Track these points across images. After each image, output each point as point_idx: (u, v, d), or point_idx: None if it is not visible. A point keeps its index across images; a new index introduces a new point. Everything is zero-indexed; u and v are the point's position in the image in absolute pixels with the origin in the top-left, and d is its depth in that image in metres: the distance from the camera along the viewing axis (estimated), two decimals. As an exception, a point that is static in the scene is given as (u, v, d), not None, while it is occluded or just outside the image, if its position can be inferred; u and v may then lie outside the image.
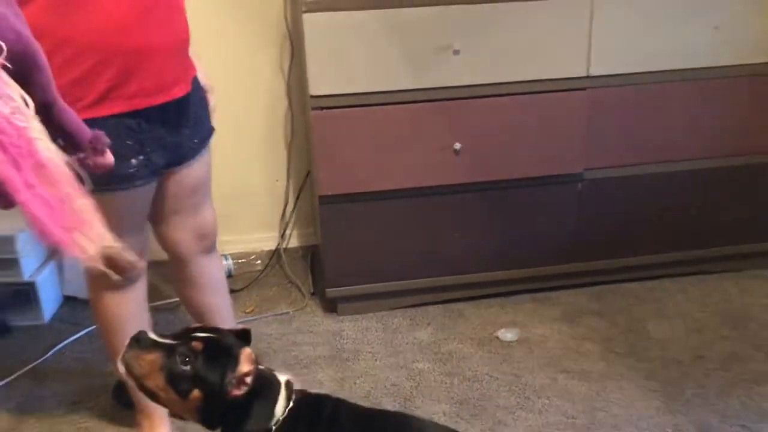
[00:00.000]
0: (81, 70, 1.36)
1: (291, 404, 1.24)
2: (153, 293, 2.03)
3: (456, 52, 2.02)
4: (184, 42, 1.53)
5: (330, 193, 2.15)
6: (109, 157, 1.23)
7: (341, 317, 2.33)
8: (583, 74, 2.12)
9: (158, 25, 1.43)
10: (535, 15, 2.04)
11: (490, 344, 2.16)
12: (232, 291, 2.48)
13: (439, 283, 2.32)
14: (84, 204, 1.01)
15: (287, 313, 2.38)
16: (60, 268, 2.43)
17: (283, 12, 2.45)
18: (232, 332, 1.28)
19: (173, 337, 1.22)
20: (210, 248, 1.78)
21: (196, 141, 1.63)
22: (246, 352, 1.20)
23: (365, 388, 1.99)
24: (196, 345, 1.19)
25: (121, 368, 1.20)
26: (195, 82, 1.62)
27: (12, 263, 2.23)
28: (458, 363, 2.08)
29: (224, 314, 1.89)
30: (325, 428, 1.25)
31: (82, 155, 1.14)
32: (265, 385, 1.23)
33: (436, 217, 2.23)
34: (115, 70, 1.38)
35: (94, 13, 1.35)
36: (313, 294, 2.48)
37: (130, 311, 1.66)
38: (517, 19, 2.03)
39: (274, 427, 1.22)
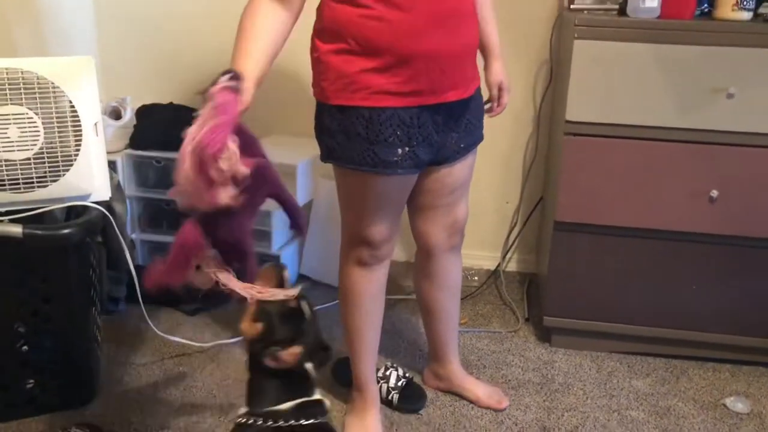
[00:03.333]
0: (375, 65, 1.49)
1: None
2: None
3: (730, 96, 1.91)
4: (469, 49, 1.61)
5: (567, 221, 2.13)
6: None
7: (554, 348, 2.29)
8: None
9: (448, 33, 1.52)
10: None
11: (715, 410, 1.99)
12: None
13: (666, 335, 2.19)
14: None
15: (499, 332, 2.38)
16: (301, 249, 2.65)
17: (549, 37, 2.49)
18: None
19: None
20: (457, 245, 1.85)
21: (462, 146, 1.70)
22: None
23: (573, 422, 1.93)
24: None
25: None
26: (476, 92, 1.69)
27: (265, 235, 2.48)
28: (677, 421, 1.94)
29: (450, 314, 1.95)
30: None
31: None
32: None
33: (675, 264, 2.11)
34: (400, 68, 1.49)
35: (397, 23, 1.47)
36: (527, 320, 2.46)
37: (372, 289, 1.77)
38: (807, 68, 1.88)
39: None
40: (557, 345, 2.30)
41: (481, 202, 2.77)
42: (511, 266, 2.84)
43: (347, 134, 1.55)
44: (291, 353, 1.29)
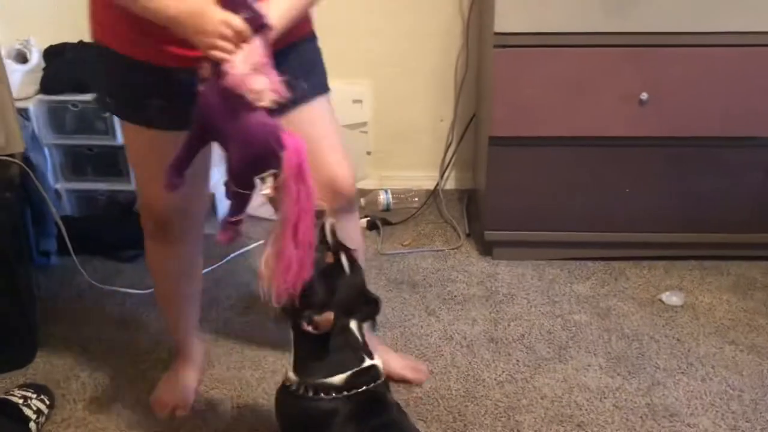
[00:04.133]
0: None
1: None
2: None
3: (655, -5, 1.91)
4: None
5: (502, 135, 2.13)
6: None
7: (496, 261, 2.33)
8: (798, 29, 1.94)
9: None
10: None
11: (652, 306, 2.08)
12: (389, 224, 2.55)
13: (603, 239, 2.26)
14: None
15: (442, 250, 2.40)
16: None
17: (472, -53, 2.42)
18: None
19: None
20: (345, 208, 1.57)
21: None
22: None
23: (519, 331, 1.99)
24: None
25: None
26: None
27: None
28: (617, 320, 2.03)
29: None
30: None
31: None
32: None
33: (609, 170, 2.15)
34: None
35: None
36: (468, 236, 2.49)
37: (174, 268, 1.67)
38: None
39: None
40: (499, 257, 2.34)
41: (416, 122, 2.74)
42: (450, 184, 2.85)
43: (124, 85, 1.38)
44: (325, 319, 1.24)
